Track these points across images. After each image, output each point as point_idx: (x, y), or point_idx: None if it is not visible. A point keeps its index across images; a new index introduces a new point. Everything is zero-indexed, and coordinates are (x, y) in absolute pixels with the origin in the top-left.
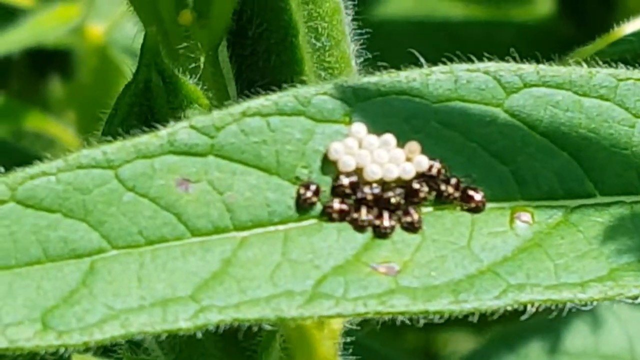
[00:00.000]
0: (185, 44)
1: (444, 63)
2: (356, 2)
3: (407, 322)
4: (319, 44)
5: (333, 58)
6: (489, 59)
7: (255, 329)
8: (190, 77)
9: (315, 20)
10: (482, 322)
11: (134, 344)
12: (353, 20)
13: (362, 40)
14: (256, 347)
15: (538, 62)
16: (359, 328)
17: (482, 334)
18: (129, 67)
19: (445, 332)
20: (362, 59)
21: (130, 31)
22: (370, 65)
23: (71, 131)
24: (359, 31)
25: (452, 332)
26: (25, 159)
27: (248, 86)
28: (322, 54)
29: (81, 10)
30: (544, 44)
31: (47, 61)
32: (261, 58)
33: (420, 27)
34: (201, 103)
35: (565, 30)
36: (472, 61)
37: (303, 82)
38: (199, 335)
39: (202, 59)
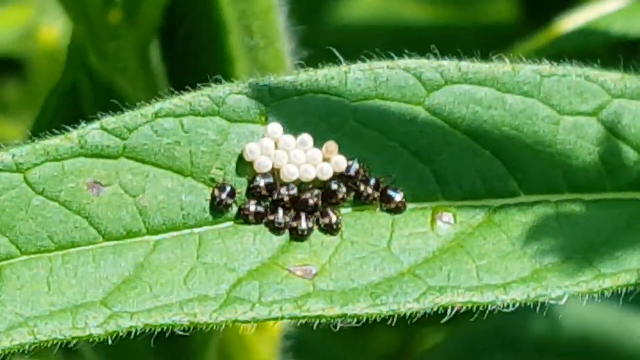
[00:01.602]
0: (114, 44)
1: (363, 60)
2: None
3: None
4: (252, 43)
5: (268, 57)
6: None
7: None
8: (120, 78)
9: (249, 18)
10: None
11: (67, 348)
12: (289, 17)
13: (298, 39)
14: (190, 350)
15: (460, 58)
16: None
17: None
18: None
19: (417, 331)
20: (299, 58)
21: None
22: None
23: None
24: (295, 29)
25: (424, 331)
26: None
27: (180, 87)
28: (256, 53)
29: (33, 12)
30: (505, 45)
31: (1, 65)
32: (193, 58)
33: (382, 30)
34: (131, 103)
35: (526, 31)
36: (392, 57)
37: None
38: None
39: (132, 59)
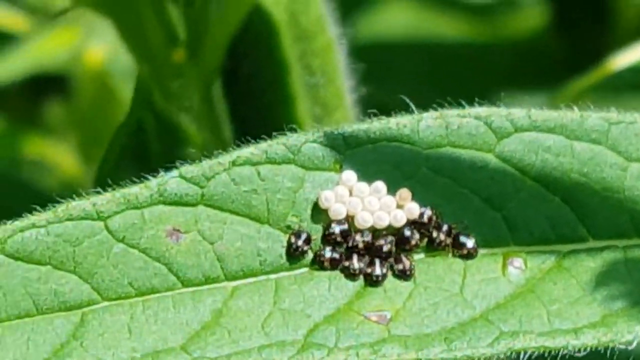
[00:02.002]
0: (178, 83)
1: (435, 108)
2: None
3: None
4: (313, 81)
5: (327, 94)
6: (484, 78)
7: None
8: (184, 116)
9: (309, 57)
10: None
11: None
12: (348, 55)
13: (357, 75)
14: None
15: (533, 87)
16: None
17: None
18: (128, 91)
19: None
20: (357, 94)
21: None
22: (366, 95)
23: (71, 155)
24: (354, 66)
25: None
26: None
27: (242, 123)
28: (316, 90)
29: (80, 34)
30: (538, 60)
31: (46, 86)
32: (255, 96)
33: (415, 47)
34: (195, 141)
35: (558, 45)
36: (460, 105)
37: (295, 127)
38: None
39: (196, 98)
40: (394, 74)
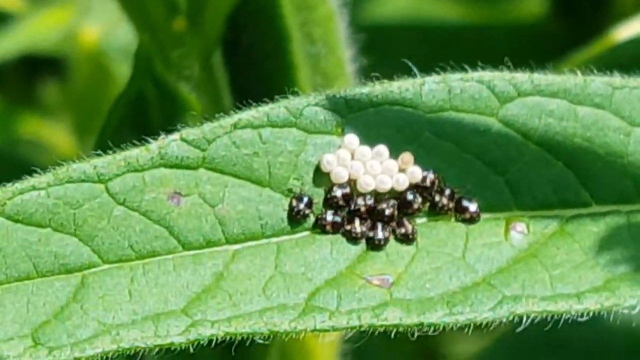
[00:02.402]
0: (178, 52)
1: (437, 72)
2: (350, 7)
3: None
4: (314, 50)
5: (328, 64)
6: (484, 62)
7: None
8: (185, 85)
9: (310, 26)
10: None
11: (129, 356)
12: (349, 26)
13: (358, 46)
14: (253, 353)
15: (532, 67)
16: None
17: (484, 336)
18: (123, 71)
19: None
20: (357, 65)
21: (125, 34)
22: (366, 70)
23: (66, 135)
24: (355, 36)
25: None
26: (19, 166)
27: (243, 93)
28: (317, 60)
29: (74, 13)
30: (537, 44)
31: (41, 65)
32: (255, 65)
33: (413, 30)
34: (195, 110)
35: (558, 29)
36: (466, 69)
37: (298, 90)
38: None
39: (196, 67)
40: (393, 56)
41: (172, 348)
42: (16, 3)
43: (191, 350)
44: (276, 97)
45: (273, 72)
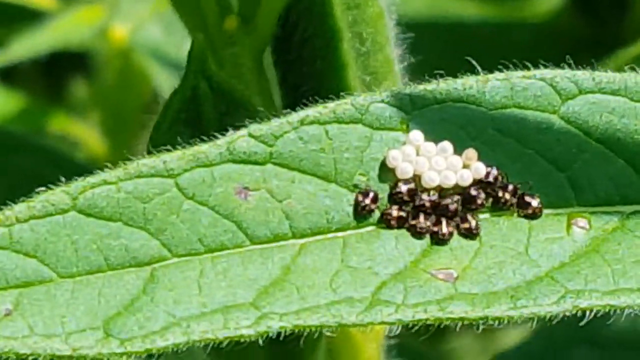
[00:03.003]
0: (231, 50)
1: (498, 69)
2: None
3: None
4: (363, 49)
5: (377, 62)
6: (503, 59)
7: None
8: (236, 83)
9: (360, 25)
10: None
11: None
12: (396, 25)
13: (405, 45)
14: (301, 350)
15: (569, 65)
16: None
17: (487, 336)
18: (152, 69)
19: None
20: (405, 64)
21: (153, 33)
22: (413, 69)
23: (95, 132)
24: (402, 35)
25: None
26: (52, 157)
27: (293, 91)
28: (366, 58)
29: (105, 11)
30: (558, 42)
31: (71, 63)
32: (306, 63)
33: (432, 26)
34: (248, 109)
35: (576, 27)
36: (525, 67)
37: (348, 88)
38: (260, 342)
39: (248, 65)
40: (418, 53)
41: (242, 340)
42: (49, 2)
43: (260, 342)
44: (342, 93)
45: (323, 71)
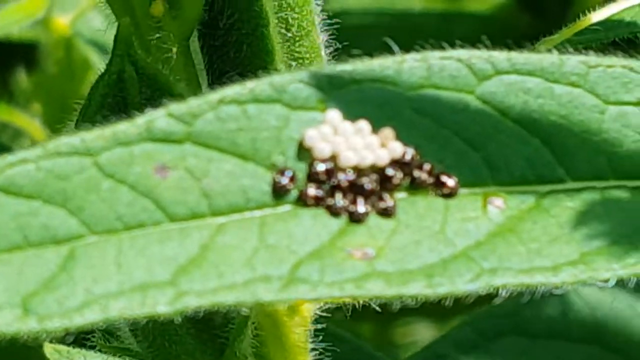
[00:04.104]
0: (157, 35)
1: (416, 50)
2: None
3: (378, 309)
4: (289, 35)
5: (303, 48)
6: (456, 44)
7: (229, 317)
8: (163, 68)
9: (286, 10)
10: (444, 313)
11: (108, 333)
12: (322, 11)
13: (331, 31)
14: (229, 334)
15: (507, 48)
16: (329, 315)
17: (444, 324)
18: (94, 59)
19: (405, 322)
20: (331, 49)
21: (95, 22)
22: (339, 55)
23: (37, 122)
24: (328, 21)
25: (412, 323)
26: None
27: (219, 76)
28: (293, 44)
29: (46, 1)
30: (502, 35)
31: (12, 53)
32: (232, 48)
33: (379, 19)
34: (173, 93)
35: (522, 21)
36: (441, 48)
37: (274, 72)
38: (178, 319)
39: (174, 50)
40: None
41: (154, 321)
42: None
43: (177, 321)
44: (260, 73)
45: (249, 56)
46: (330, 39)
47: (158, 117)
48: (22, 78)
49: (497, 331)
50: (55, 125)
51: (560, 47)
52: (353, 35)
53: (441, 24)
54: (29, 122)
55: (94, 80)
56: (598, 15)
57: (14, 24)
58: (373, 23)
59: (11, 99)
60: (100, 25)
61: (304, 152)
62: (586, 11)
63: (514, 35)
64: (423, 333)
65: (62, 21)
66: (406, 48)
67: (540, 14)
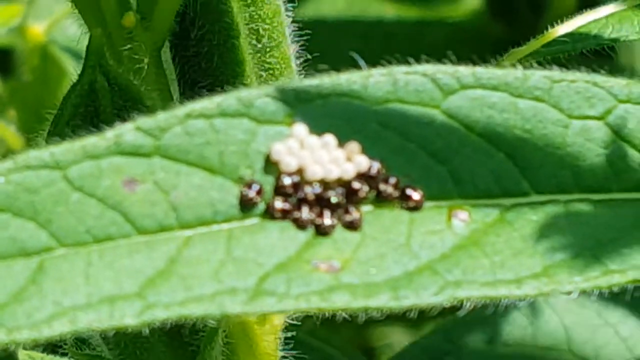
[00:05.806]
0: (129, 46)
1: (381, 65)
2: (295, 4)
3: (347, 317)
4: (260, 45)
5: (274, 59)
6: (422, 59)
7: (199, 325)
8: (134, 78)
9: (257, 22)
10: (418, 318)
11: (80, 340)
12: (293, 22)
13: (301, 42)
14: (199, 343)
15: (472, 62)
16: (299, 324)
17: (418, 329)
18: (69, 66)
19: (380, 327)
20: (301, 60)
21: (70, 30)
22: (309, 66)
23: (13, 129)
24: (298, 32)
25: (387, 327)
26: None
27: (191, 87)
28: (263, 55)
29: (22, 9)
30: (475, 42)
31: None
32: (203, 59)
33: (352, 26)
34: (145, 103)
35: (495, 29)
36: (407, 62)
37: (245, 84)
38: (146, 331)
39: (146, 60)
40: (333, 52)
41: (128, 331)
42: None
43: (145, 332)
44: (228, 87)
45: (220, 67)
46: (301, 49)
47: (127, 131)
48: None
49: (468, 338)
50: (30, 132)
51: (529, 59)
52: (326, 43)
53: (414, 31)
54: (4, 128)
55: (67, 91)
56: (565, 27)
57: None
58: (346, 30)
59: None
60: (76, 33)
61: (271, 165)
62: (557, 20)
63: (486, 42)
64: (398, 336)
65: (37, 29)
66: (379, 55)
67: (512, 21)
